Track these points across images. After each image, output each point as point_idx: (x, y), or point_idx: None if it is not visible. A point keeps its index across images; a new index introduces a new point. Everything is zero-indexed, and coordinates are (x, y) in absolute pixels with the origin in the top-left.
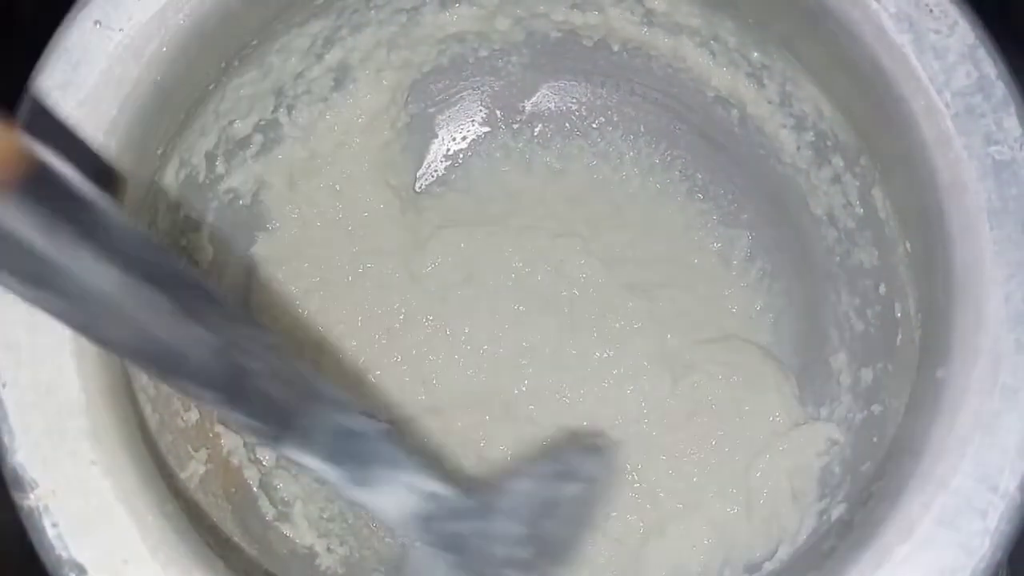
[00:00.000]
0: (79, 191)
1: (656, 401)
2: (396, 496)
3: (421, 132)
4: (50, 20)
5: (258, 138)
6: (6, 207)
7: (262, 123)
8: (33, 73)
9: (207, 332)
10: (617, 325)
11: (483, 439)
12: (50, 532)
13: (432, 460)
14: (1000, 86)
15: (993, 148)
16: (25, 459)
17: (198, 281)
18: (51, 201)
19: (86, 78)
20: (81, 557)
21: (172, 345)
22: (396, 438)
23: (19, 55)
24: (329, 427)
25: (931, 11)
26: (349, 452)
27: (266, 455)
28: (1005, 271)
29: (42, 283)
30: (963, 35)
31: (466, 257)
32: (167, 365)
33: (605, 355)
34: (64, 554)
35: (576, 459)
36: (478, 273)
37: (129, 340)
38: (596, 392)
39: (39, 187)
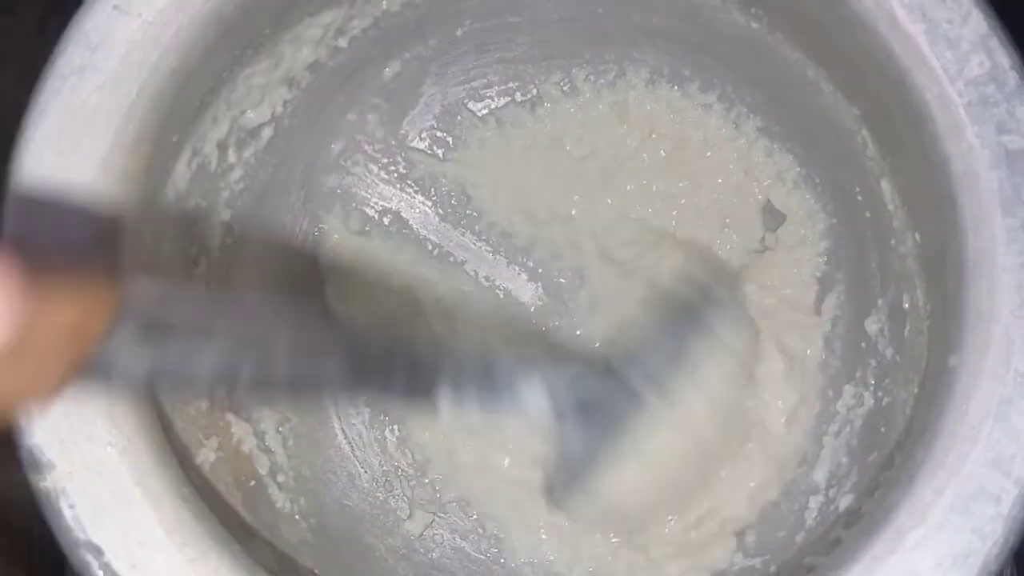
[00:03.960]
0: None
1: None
2: (540, 403)
3: None
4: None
5: (268, 129)
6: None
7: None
8: (51, 57)
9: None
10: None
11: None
12: (67, 514)
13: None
14: (1013, 75)
15: (1006, 137)
16: (42, 441)
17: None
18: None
19: (105, 62)
20: (98, 539)
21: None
22: (522, 364)
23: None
24: (470, 373)
25: (944, 0)
26: (494, 388)
27: (276, 445)
28: (1017, 259)
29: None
30: (976, 24)
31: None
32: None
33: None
34: (81, 536)
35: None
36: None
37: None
38: None
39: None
